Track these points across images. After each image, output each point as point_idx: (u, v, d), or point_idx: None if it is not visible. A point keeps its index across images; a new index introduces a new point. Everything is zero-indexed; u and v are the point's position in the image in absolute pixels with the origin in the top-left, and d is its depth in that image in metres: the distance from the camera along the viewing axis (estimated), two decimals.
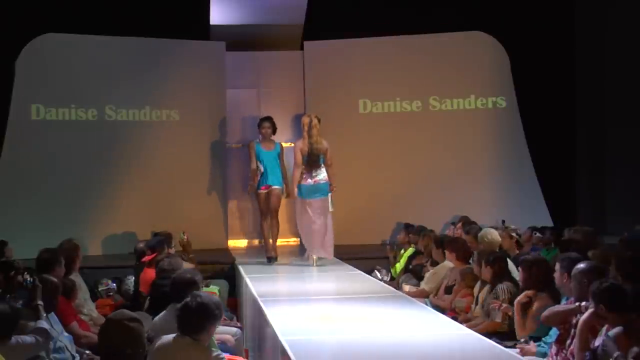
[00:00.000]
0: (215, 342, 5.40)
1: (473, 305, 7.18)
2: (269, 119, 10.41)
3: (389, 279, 9.74)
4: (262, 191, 9.94)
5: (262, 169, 9.95)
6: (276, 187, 9.94)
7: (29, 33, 11.44)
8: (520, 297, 6.12)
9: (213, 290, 9.28)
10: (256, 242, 12.69)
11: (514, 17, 12.23)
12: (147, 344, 4.28)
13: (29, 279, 5.37)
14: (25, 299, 5.43)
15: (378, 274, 9.85)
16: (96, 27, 11.64)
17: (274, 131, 10.36)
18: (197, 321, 4.52)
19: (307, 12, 12.54)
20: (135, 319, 4.17)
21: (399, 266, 9.73)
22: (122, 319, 4.15)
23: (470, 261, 7.72)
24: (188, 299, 4.62)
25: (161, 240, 8.58)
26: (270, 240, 9.90)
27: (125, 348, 4.04)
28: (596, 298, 4.82)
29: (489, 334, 6.07)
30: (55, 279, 5.89)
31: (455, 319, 6.70)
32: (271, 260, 9.80)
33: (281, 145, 10.36)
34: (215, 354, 4.57)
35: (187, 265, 8.33)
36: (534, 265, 6.23)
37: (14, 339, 4.85)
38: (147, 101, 12.36)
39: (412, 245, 9.71)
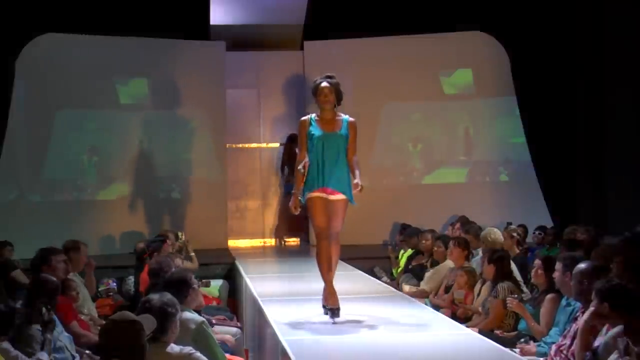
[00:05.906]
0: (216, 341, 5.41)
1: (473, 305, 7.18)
2: (331, 78, 6.07)
3: (388, 279, 9.72)
4: (316, 194, 6.00)
5: (307, 162, 6.01)
6: (339, 194, 6.04)
7: (29, 33, 11.43)
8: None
9: (213, 291, 9.31)
10: (256, 243, 12.69)
11: (514, 16, 12.21)
12: (147, 345, 4.28)
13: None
14: (25, 299, 5.41)
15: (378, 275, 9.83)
16: (96, 27, 11.63)
17: (340, 101, 6.10)
18: (158, 326, 4.53)
19: (307, 12, 12.55)
20: (135, 320, 4.18)
21: (400, 267, 9.71)
22: (122, 320, 4.16)
23: (473, 261, 7.71)
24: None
25: (161, 241, 8.60)
26: (329, 278, 6.17)
27: (125, 349, 4.04)
28: (600, 295, 4.79)
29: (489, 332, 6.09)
30: (54, 279, 5.87)
31: (454, 313, 6.71)
32: (328, 311, 6.07)
33: (351, 123, 6.08)
34: (185, 351, 4.59)
35: (187, 266, 8.34)
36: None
37: None
38: (147, 101, 12.39)
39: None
